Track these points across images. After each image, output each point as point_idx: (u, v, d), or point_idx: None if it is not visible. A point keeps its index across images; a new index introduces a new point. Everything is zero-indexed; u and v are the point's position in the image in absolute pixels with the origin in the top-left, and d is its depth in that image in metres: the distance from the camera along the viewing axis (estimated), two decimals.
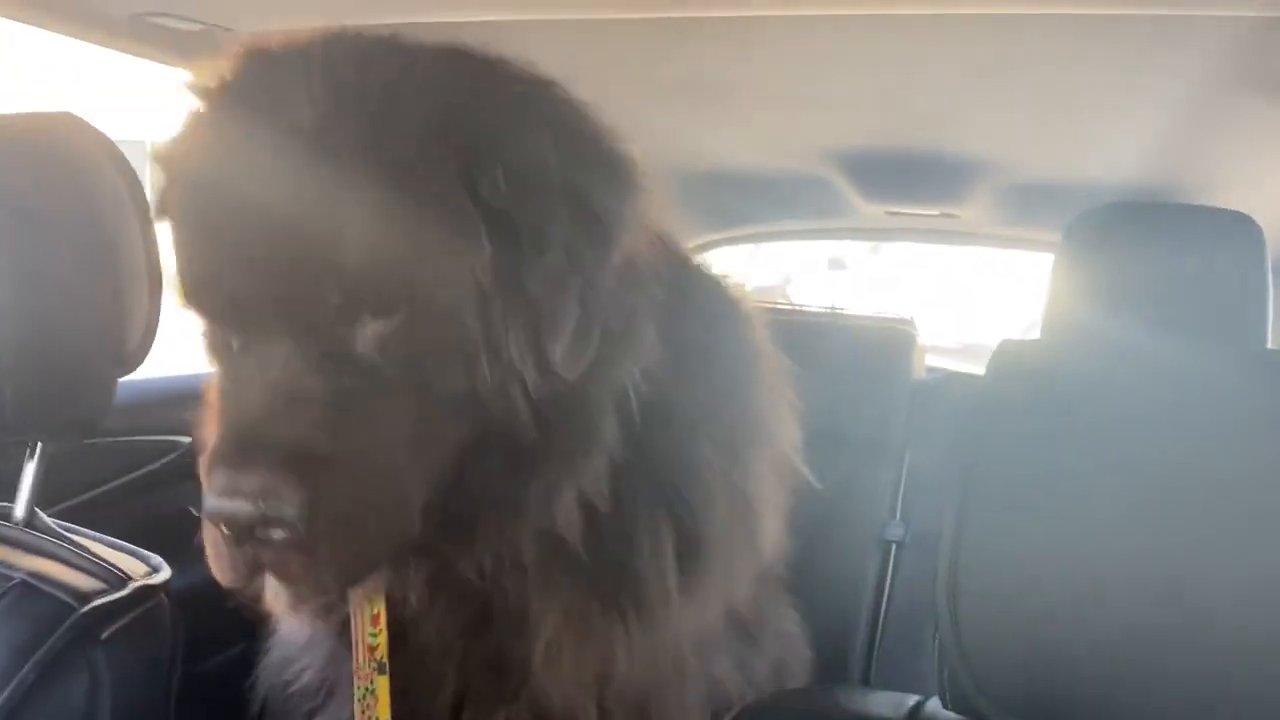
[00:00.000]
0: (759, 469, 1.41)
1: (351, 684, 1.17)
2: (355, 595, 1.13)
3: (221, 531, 0.89)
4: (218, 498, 0.86)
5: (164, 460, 2.23)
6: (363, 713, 1.13)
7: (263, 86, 1.01)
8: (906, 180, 2.78)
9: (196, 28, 1.79)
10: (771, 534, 1.49)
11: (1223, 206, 1.87)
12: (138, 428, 2.20)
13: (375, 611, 1.12)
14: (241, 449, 0.87)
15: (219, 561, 0.94)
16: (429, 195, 0.98)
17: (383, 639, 1.11)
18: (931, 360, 3.22)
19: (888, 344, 2.73)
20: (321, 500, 0.87)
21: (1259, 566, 0.75)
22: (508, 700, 1.26)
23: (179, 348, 1.34)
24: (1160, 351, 0.88)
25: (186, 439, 2.29)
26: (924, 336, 2.94)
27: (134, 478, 2.16)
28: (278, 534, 0.86)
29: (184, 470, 2.28)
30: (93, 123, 1.25)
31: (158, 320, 1.29)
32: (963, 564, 0.83)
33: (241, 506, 0.85)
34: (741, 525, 1.38)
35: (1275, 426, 0.78)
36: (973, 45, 1.77)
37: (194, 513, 0.96)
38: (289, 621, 1.36)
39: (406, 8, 1.77)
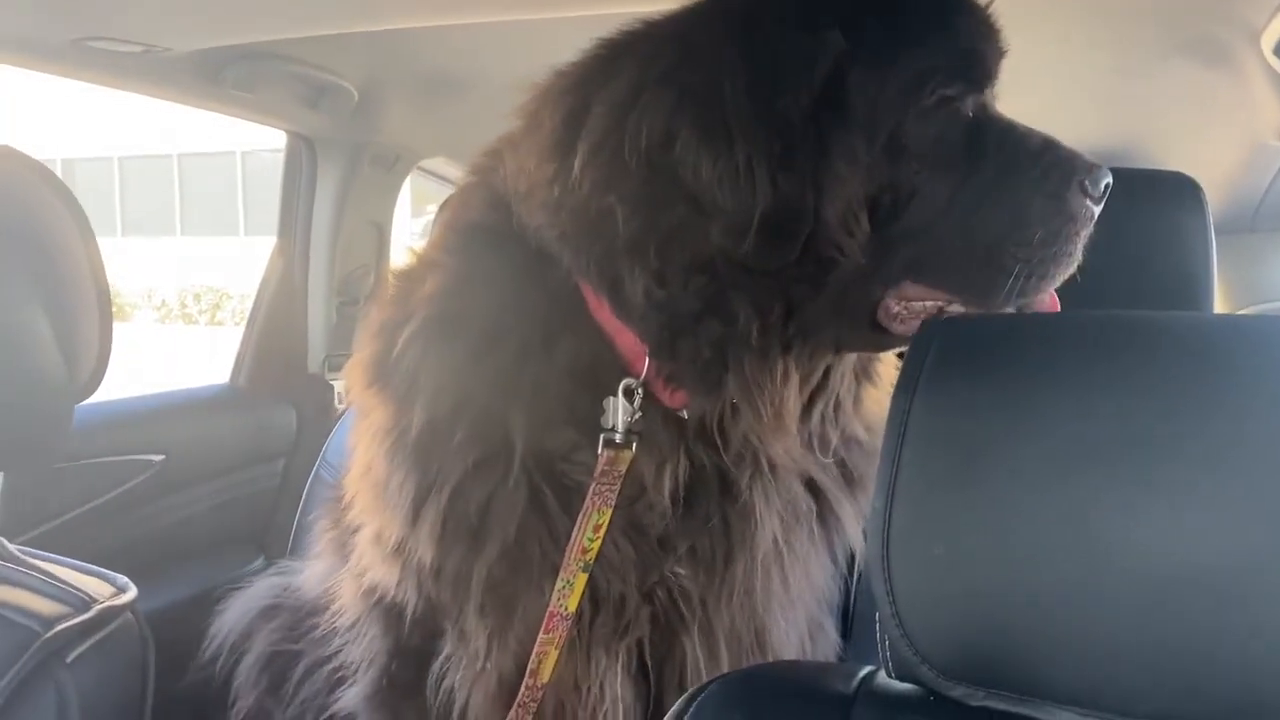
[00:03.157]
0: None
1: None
2: (589, 505, 1.25)
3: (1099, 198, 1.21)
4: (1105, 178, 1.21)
5: (137, 480, 2.23)
6: (556, 600, 1.26)
7: None
8: None
9: (137, 49, 1.80)
10: None
11: (1167, 169, 1.89)
12: (110, 449, 2.20)
13: (600, 521, 1.25)
14: None
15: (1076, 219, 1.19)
16: None
17: (596, 546, 1.25)
18: None
19: None
20: None
21: (1187, 527, 0.76)
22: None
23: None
24: (1095, 318, 0.89)
25: (159, 457, 2.29)
26: None
27: (108, 499, 2.16)
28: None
29: (156, 489, 2.30)
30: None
31: (110, 345, 1.29)
32: (894, 536, 0.85)
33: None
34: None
35: (1210, 393, 0.79)
36: None
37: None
38: (342, 605, 1.50)
39: (338, 20, 1.77)
